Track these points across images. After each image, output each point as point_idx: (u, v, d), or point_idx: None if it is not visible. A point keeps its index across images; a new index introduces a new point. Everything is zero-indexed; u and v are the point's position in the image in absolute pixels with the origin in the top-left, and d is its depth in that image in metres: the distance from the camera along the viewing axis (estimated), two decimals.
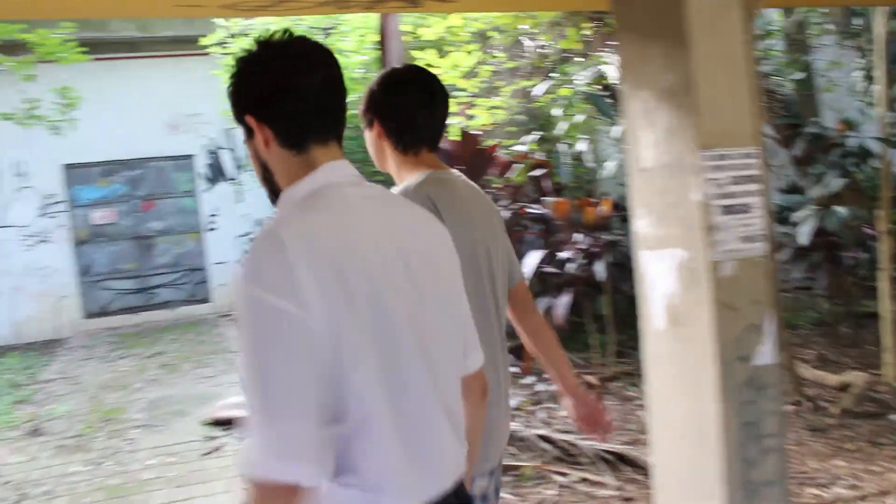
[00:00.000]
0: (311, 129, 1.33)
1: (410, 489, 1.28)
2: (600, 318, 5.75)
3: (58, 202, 10.18)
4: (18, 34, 6.87)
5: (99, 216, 10.40)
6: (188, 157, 10.69)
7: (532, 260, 4.90)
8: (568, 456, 4.23)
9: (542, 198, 5.29)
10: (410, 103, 1.89)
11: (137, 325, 10.40)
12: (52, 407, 6.37)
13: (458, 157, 4.45)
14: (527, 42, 4.69)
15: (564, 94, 4.44)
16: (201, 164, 10.74)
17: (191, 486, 4.40)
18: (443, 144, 4.70)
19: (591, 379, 5.24)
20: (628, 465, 4.13)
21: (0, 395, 6.90)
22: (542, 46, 4.54)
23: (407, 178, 1.89)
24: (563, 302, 5.12)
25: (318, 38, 7.83)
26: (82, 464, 4.93)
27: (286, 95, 1.29)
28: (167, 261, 10.74)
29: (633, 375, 5.46)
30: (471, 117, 4.76)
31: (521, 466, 4.15)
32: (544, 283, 5.46)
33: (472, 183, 2.03)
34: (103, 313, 10.45)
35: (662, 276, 2.34)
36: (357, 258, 1.22)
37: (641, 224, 2.41)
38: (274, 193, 1.39)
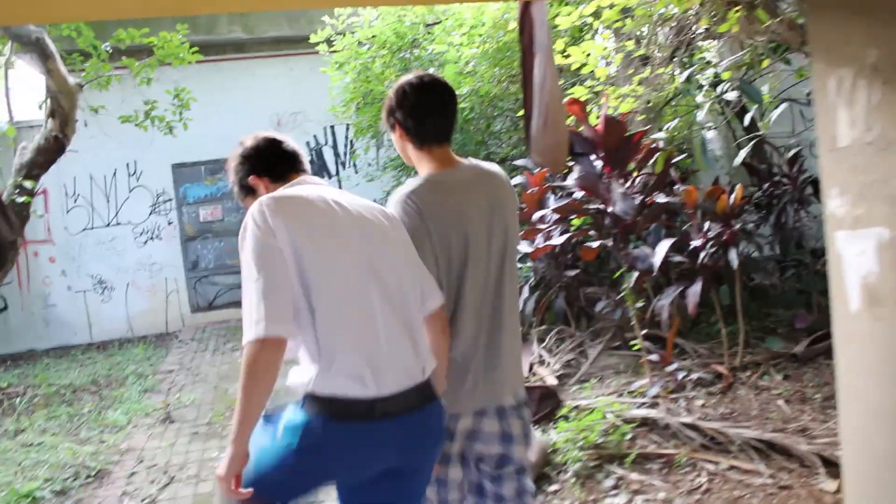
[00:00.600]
0: None
1: (356, 367, 1.89)
2: (726, 309, 5.63)
3: (167, 200, 10.57)
4: (141, 38, 7.14)
5: (206, 213, 10.74)
6: None
7: (661, 248, 4.83)
8: (715, 444, 4.16)
9: (672, 185, 5.21)
10: (424, 108, 2.28)
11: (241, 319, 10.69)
12: (178, 396, 6.61)
13: (600, 145, 4.41)
14: (663, 28, 4.63)
15: (700, 80, 4.36)
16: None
17: None
18: (583, 131, 4.71)
19: (721, 369, 5.14)
20: (779, 454, 4.03)
21: (129, 384, 7.20)
22: (680, 31, 4.47)
23: (424, 169, 2.32)
24: (693, 291, 5.02)
25: (421, 32, 7.92)
26: (219, 450, 5.10)
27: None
28: None
29: (763, 365, 5.33)
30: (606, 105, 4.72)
31: (670, 455, 4.10)
32: (673, 273, 5.39)
33: (484, 174, 2.38)
34: (210, 307, 10.80)
35: (860, 256, 2.28)
36: (321, 216, 2.00)
37: (835, 204, 2.34)
38: None
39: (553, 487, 3.98)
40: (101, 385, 7.34)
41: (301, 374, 1.97)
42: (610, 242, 4.80)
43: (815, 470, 3.88)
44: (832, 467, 3.85)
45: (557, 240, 5.09)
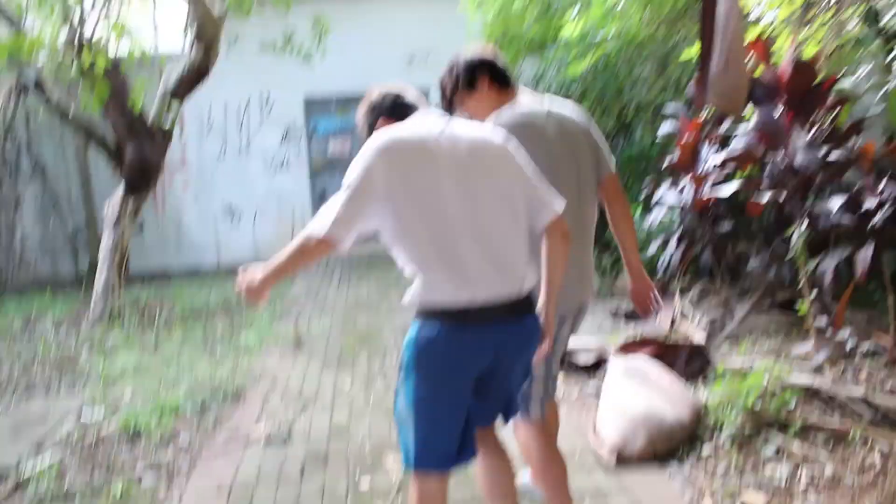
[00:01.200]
0: None
1: (449, 280, 2.14)
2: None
3: (298, 132, 10.64)
4: None
5: (334, 147, 10.78)
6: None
7: (831, 206, 4.38)
8: (888, 422, 3.77)
9: (846, 139, 4.70)
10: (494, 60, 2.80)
11: (365, 253, 10.76)
12: (307, 323, 6.66)
13: (784, 91, 3.97)
14: None
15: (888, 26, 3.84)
16: (434, 100, 10.80)
17: None
18: (765, 76, 4.28)
19: (886, 341, 4.66)
20: None
21: (259, 309, 7.33)
22: None
23: (504, 110, 2.67)
24: (864, 255, 4.54)
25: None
26: (352, 380, 5.08)
27: None
28: None
29: None
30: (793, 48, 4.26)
31: (837, 428, 3.75)
32: (841, 234, 4.91)
33: (552, 106, 2.74)
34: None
35: None
36: (422, 149, 2.21)
37: None
38: None
39: (706, 451, 3.71)
40: (233, 308, 7.52)
41: (411, 287, 2.23)
42: (781, 197, 4.37)
43: None
44: None
45: (725, 191, 4.69)
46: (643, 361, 4.29)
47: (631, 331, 5.88)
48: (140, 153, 6.92)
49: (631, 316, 6.17)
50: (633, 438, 3.66)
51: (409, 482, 2.37)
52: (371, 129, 2.45)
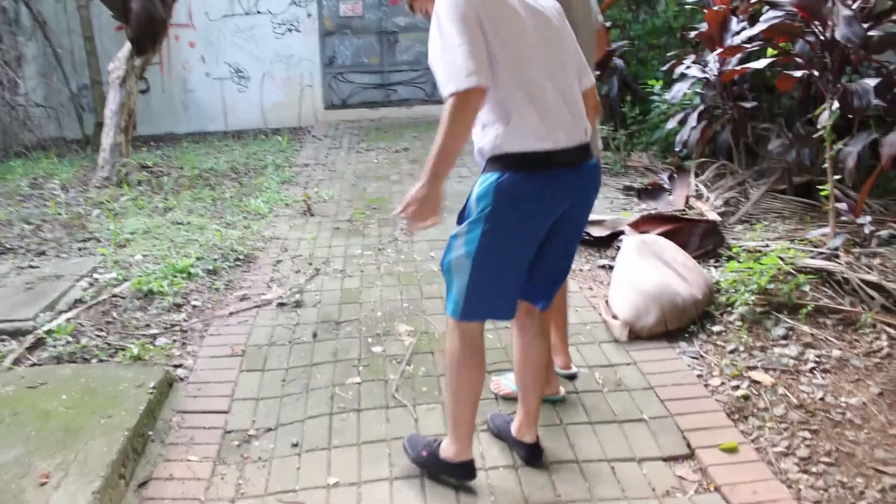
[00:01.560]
0: None
1: (534, 125, 2.20)
2: None
3: None
4: None
5: (346, 8, 10.35)
6: None
7: (867, 84, 4.20)
8: None
9: (888, 15, 4.45)
10: None
11: (375, 119, 10.57)
12: (316, 190, 6.60)
13: None
14: None
15: None
16: None
17: None
18: None
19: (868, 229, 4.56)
20: None
21: (268, 174, 7.26)
22: None
23: None
24: (891, 140, 4.39)
25: None
26: (362, 247, 5.07)
27: None
28: (409, 58, 10.66)
29: None
30: None
31: (848, 312, 3.75)
32: (867, 118, 4.74)
33: None
34: (344, 105, 10.68)
35: None
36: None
37: None
38: None
39: (717, 328, 3.73)
40: (241, 172, 7.44)
41: (482, 138, 2.24)
42: (816, 73, 4.18)
43: None
44: None
45: (758, 63, 4.49)
46: (657, 237, 4.25)
47: (644, 207, 5.82)
48: (146, 7, 6.63)
49: (644, 192, 6.10)
50: (645, 314, 3.67)
51: (449, 326, 2.44)
52: None
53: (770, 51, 4.45)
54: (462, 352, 2.42)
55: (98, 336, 3.74)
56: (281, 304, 4.13)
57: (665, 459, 2.80)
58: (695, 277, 3.91)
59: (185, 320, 3.95)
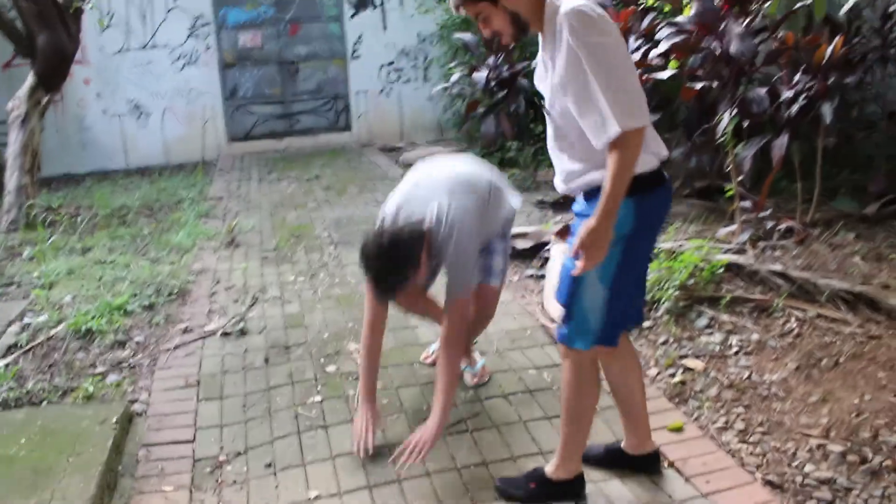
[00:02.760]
0: None
1: (652, 148, 2.29)
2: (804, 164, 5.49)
3: (206, 23, 10.15)
4: None
5: (246, 39, 10.37)
6: None
7: (761, 93, 4.63)
8: (803, 293, 4.17)
9: (776, 28, 4.92)
10: None
11: (280, 150, 10.59)
12: (236, 222, 6.59)
13: None
14: None
15: None
16: None
17: None
18: None
19: (793, 223, 5.04)
20: (865, 306, 4.05)
21: (185, 209, 7.19)
22: None
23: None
24: (780, 143, 4.85)
25: None
26: (294, 274, 5.14)
27: None
28: (311, 87, 10.74)
29: (833, 224, 5.25)
30: None
31: (759, 300, 4.13)
32: (757, 124, 5.20)
33: None
34: (247, 137, 10.65)
35: None
36: None
37: None
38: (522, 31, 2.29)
39: (647, 324, 4.03)
40: (155, 209, 7.34)
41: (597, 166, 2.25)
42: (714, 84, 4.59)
43: None
44: None
45: (663, 74, 4.87)
46: None
47: (560, 219, 6.12)
48: (54, 41, 6.43)
49: (557, 205, 6.42)
50: None
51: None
52: None
53: (673, 63, 4.84)
54: (588, 380, 2.49)
55: (42, 379, 3.67)
56: (225, 334, 4.15)
57: (619, 443, 3.03)
58: None
59: (131, 356, 3.92)
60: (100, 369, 3.77)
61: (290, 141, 10.70)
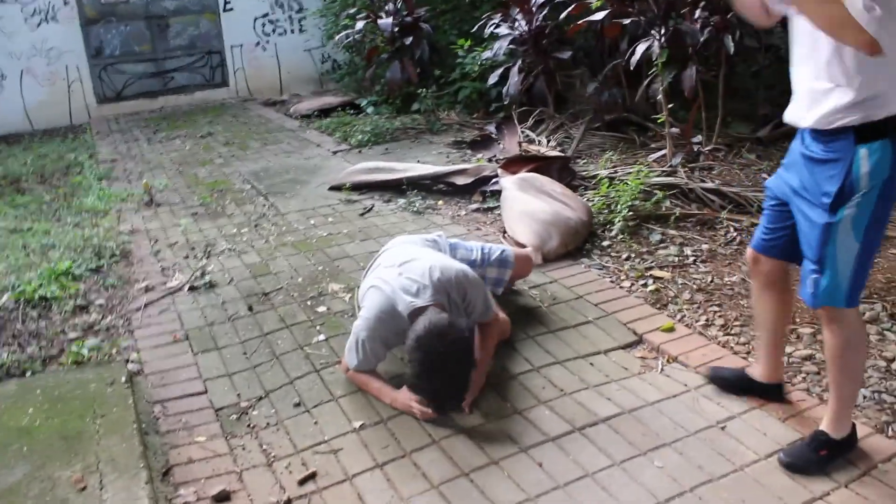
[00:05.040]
0: None
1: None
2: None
3: None
4: None
5: None
6: None
7: (694, 28, 4.92)
8: (735, 206, 4.58)
9: None
10: None
11: (155, 110, 10.04)
12: (145, 182, 6.26)
13: None
14: None
15: None
16: None
17: (371, 239, 4.58)
18: None
19: (700, 147, 5.45)
20: None
21: (84, 172, 6.74)
22: None
23: None
24: (689, 75, 5.23)
25: None
26: (235, 226, 5.01)
27: None
28: (183, 43, 10.19)
29: (734, 146, 5.74)
30: None
31: (700, 215, 4.50)
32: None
33: None
34: (119, 98, 10.00)
35: None
36: None
37: None
38: None
39: (605, 243, 4.30)
40: (46, 175, 6.82)
41: (856, 100, 2.12)
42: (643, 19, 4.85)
43: None
44: None
45: (597, 16, 5.06)
46: (533, 174, 4.73)
47: (480, 156, 6.28)
48: None
49: (475, 144, 6.57)
50: (548, 239, 4.13)
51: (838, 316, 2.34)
52: None
53: (597, 2, 5.06)
54: (857, 337, 2.37)
55: (13, 351, 3.43)
56: (193, 288, 4.03)
57: (623, 347, 3.29)
58: (576, 203, 4.44)
59: (100, 319, 3.73)
60: (73, 335, 3.57)
61: (166, 100, 10.15)
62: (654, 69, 5.10)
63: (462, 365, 2.71)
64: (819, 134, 2.23)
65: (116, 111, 9.86)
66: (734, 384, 2.88)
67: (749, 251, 2.67)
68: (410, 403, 2.80)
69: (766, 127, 5.98)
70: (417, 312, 2.80)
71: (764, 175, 5.27)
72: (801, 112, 2.27)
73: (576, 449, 2.60)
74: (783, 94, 6.66)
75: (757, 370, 2.84)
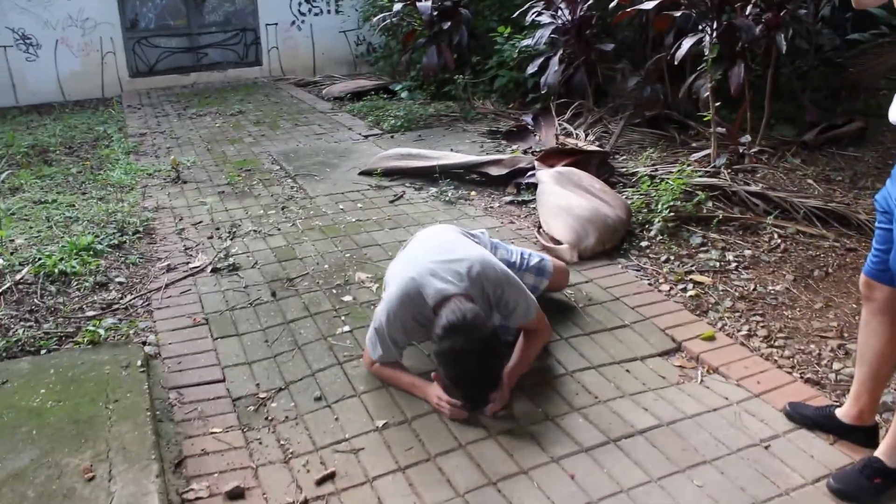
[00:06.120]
0: None
1: None
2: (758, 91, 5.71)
3: None
4: None
5: None
6: None
7: (749, 23, 4.71)
8: (780, 212, 4.38)
9: None
10: None
11: (187, 85, 9.98)
12: (173, 157, 6.18)
13: None
14: None
15: None
16: None
17: (401, 228, 4.44)
18: None
19: (746, 149, 5.24)
20: (836, 222, 4.31)
21: (114, 145, 6.67)
22: None
23: None
24: (736, 72, 5.02)
25: None
26: (262, 207, 4.89)
27: None
28: (218, 19, 10.11)
29: (778, 150, 5.52)
30: None
31: (744, 219, 4.30)
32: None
33: None
34: (151, 72, 9.95)
35: None
36: None
37: None
38: None
39: (644, 244, 4.12)
40: (74, 147, 6.76)
41: None
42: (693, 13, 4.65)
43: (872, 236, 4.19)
44: None
45: (647, 5, 4.86)
46: (571, 168, 4.56)
47: (515, 147, 6.11)
48: None
49: (511, 134, 6.40)
50: (585, 236, 3.96)
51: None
52: None
53: None
54: None
55: (28, 326, 3.34)
56: (215, 270, 3.92)
57: (661, 354, 3.12)
58: (615, 201, 4.26)
59: (119, 298, 3.63)
60: (90, 313, 3.47)
61: (198, 76, 10.08)
62: (701, 66, 4.90)
63: (489, 358, 2.57)
64: None
65: (148, 85, 9.80)
66: (821, 425, 2.60)
67: (862, 277, 2.40)
68: (438, 399, 2.67)
69: (813, 131, 5.75)
70: (444, 301, 2.65)
71: (810, 181, 5.06)
72: None
73: (610, 461, 2.45)
74: (829, 97, 6.51)
75: (847, 410, 2.55)
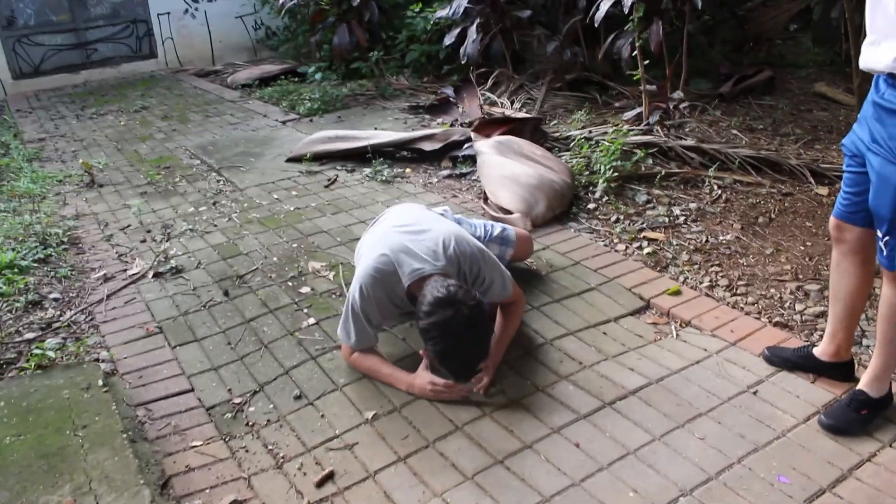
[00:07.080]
0: None
1: None
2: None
3: None
4: None
5: None
6: None
7: None
8: (717, 163, 4.48)
9: None
10: None
11: (80, 84, 9.41)
12: (81, 162, 5.81)
13: None
14: None
15: None
16: None
17: (343, 212, 4.32)
18: None
19: (663, 104, 5.34)
20: (769, 169, 4.45)
21: (10, 155, 6.20)
22: None
23: None
24: (655, 30, 5.09)
25: None
26: (192, 205, 4.66)
27: None
28: (104, 11, 9.53)
29: (698, 103, 5.66)
30: None
31: (683, 173, 4.38)
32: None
33: None
34: (37, 73, 9.32)
35: None
36: None
37: None
38: None
39: (591, 206, 4.14)
40: None
41: None
42: None
43: (805, 180, 4.36)
44: (818, 177, 4.37)
45: None
46: (509, 137, 4.53)
47: (440, 121, 6.04)
48: None
49: (433, 108, 6.32)
50: (535, 204, 3.95)
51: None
52: None
53: None
54: None
55: None
56: (158, 274, 3.70)
57: (632, 314, 3.15)
58: (558, 166, 4.27)
59: (58, 315, 3.38)
60: (29, 335, 3.22)
61: (90, 73, 9.50)
62: (625, 27, 4.95)
63: (479, 325, 2.50)
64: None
65: (35, 87, 9.19)
66: (800, 365, 2.67)
67: (832, 220, 2.43)
68: (433, 385, 2.60)
69: (728, 83, 5.92)
70: (422, 280, 2.58)
71: (734, 131, 5.21)
72: (878, 54, 2.05)
73: (610, 425, 2.45)
74: (734, 50, 6.71)
75: (824, 348, 2.63)
